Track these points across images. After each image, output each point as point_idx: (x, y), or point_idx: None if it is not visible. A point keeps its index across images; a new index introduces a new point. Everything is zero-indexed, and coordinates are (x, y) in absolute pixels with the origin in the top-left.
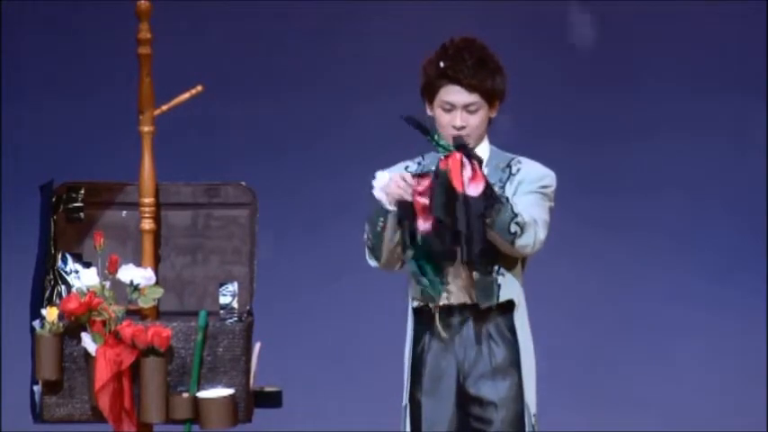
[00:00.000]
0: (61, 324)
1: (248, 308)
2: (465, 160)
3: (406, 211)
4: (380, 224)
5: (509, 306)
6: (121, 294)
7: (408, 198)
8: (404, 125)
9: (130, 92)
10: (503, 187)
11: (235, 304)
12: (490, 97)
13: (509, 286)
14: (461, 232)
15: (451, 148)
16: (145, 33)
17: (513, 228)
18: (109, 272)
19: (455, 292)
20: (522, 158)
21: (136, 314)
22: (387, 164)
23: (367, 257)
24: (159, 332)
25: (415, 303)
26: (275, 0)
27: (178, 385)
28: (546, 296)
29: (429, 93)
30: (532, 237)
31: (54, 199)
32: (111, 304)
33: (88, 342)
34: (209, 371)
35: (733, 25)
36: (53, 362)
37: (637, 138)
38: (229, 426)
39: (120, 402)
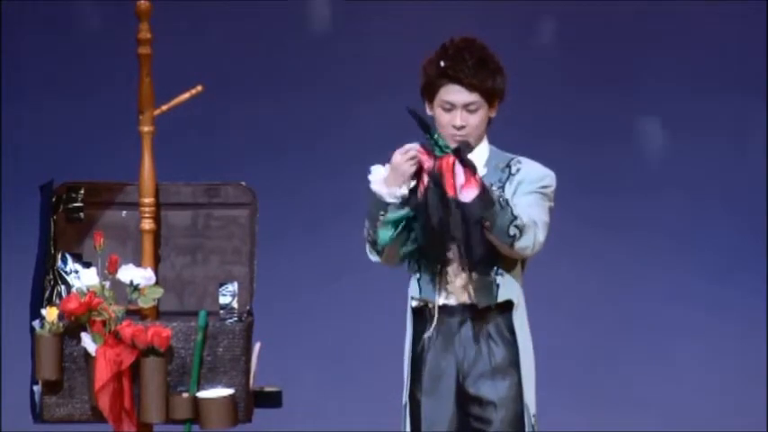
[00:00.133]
0: (61, 324)
1: (248, 308)
2: (457, 166)
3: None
4: (380, 217)
5: (508, 306)
6: (121, 294)
7: (421, 163)
8: (404, 125)
9: (130, 92)
10: (502, 187)
11: (235, 304)
12: (490, 97)
13: (508, 286)
14: (457, 237)
15: (448, 150)
16: (145, 33)
17: (512, 230)
18: (109, 272)
19: (455, 291)
20: (521, 158)
21: (136, 314)
22: (386, 164)
23: (368, 252)
24: (159, 332)
25: (415, 303)
26: (275, 0)
27: (178, 385)
28: (546, 296)
29: (429, 92)
30: (532, 239)
31: (54, 199)
32: (111, 304)
33: (88, 342)
34: (209, 371)
35: (733, 25)
36: (53, 362)
37: (637, 138)
38: (229, 426)
39: (120, 402)
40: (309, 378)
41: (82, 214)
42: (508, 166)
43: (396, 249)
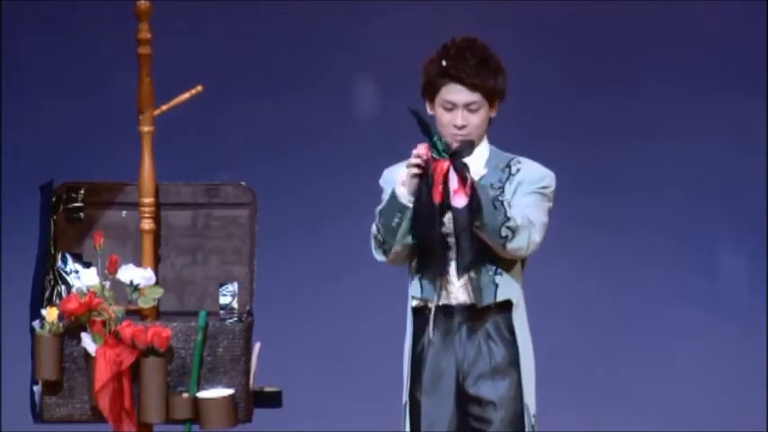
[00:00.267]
0: (61, 324)
1: (248, 308)
2: (452, 172)
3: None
4: (397, 220)
5: (508, 306)
6: (121, 294)
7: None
8: (404, 125)
9: (130, 92)
10: (502, 187)
11: (235, 304)
12: (491, 97)
13: (507, 286)
14: (447, 243)
15: (445, 155)
16: (145, 33)
17: (505, 231)
18: (109, 272)
19: (454, 291)
20: (521, 159)
21: (136, 314)
22: (386, 164)
23: (374, 251)
24: (159, 332)
25: (415, 303)
26: (275, 0)
27: (178, 385)
28: (546, 296)
29: (430, 92)
30: (525, 240)
31: (54, 199)
32: (111, 304)
33: (88, 342)
34: (209, 371)
35: (733, 25)
36: (53, 362)
37: (637, 138)
38: (229, 426)
39: (120, 402)
40: (309, 378)
41: (82, 214)
42: (508, 166)
43: (405, 251)
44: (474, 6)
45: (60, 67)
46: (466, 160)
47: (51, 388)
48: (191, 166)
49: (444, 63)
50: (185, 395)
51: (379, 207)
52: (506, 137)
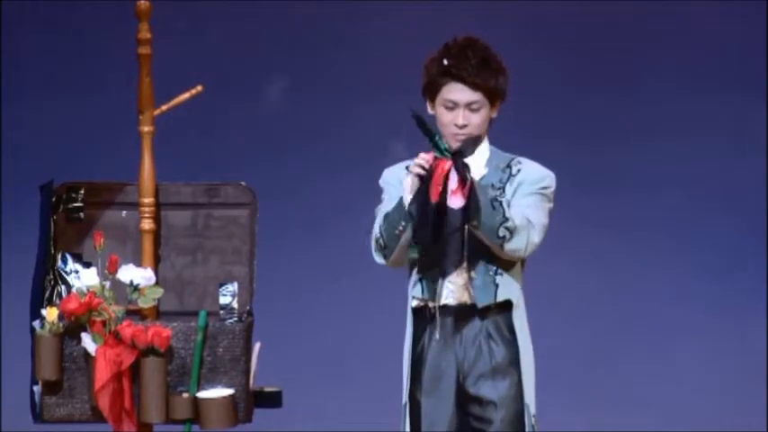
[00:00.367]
0: (61, 324)
1: (248, 308)
2: (453, 172)
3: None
4: (401, 228)
5: (508, 306)
6: (121, 294)
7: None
8: (403, 125)
9: (130, 92)
10: (502, 188)
11: (235, 304)
12: (492, 96)
13: (507, 286)
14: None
15: (447, 155)
16: (145, 33)
17: (502, 232)
18: (109, 272)
19: (454, 291)
20: (522, 159)
21: (136, 314)
22: (386, 164)
23: (374, 253)
24: (159, 332)
25: (415, 303)
26: (275, 0)
27: (178, 385)
28: (546, 296)
29: (431, 91)
30: (524, 241)
31: (54, 199)
32: (111, 304)
33: (88, 342)
34: (209, 371)
35: (733, 25)
36: (53, 362)
37: (637, 138)
38: (229, 426)
39: (120, 402)
40: (309, 378)
41: (82, 214)
42: (509, 166)
43: (405, 256)
44: (474, 6)
45: (60, 67)
46: (467, 160)
47: (51, 388)
48: (191, 166)
49: (446, 62)
50: (185, 395)
51: (384, 211)
52: (506, 137)
